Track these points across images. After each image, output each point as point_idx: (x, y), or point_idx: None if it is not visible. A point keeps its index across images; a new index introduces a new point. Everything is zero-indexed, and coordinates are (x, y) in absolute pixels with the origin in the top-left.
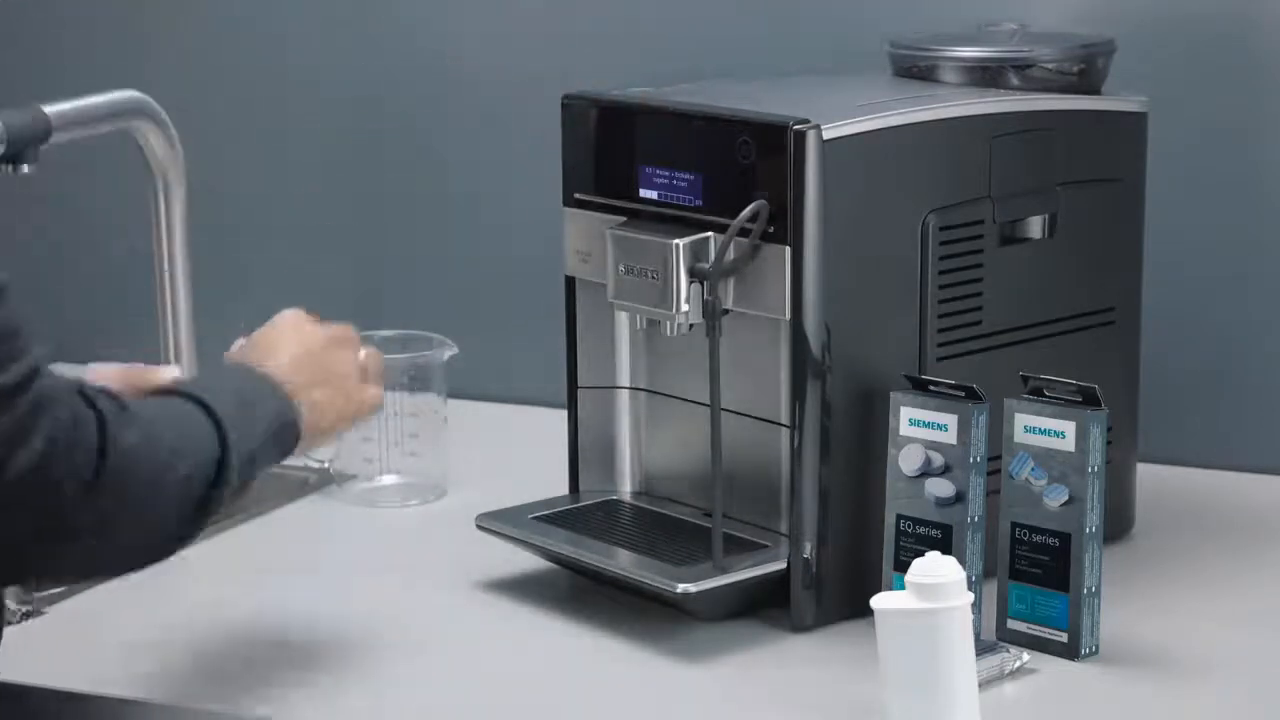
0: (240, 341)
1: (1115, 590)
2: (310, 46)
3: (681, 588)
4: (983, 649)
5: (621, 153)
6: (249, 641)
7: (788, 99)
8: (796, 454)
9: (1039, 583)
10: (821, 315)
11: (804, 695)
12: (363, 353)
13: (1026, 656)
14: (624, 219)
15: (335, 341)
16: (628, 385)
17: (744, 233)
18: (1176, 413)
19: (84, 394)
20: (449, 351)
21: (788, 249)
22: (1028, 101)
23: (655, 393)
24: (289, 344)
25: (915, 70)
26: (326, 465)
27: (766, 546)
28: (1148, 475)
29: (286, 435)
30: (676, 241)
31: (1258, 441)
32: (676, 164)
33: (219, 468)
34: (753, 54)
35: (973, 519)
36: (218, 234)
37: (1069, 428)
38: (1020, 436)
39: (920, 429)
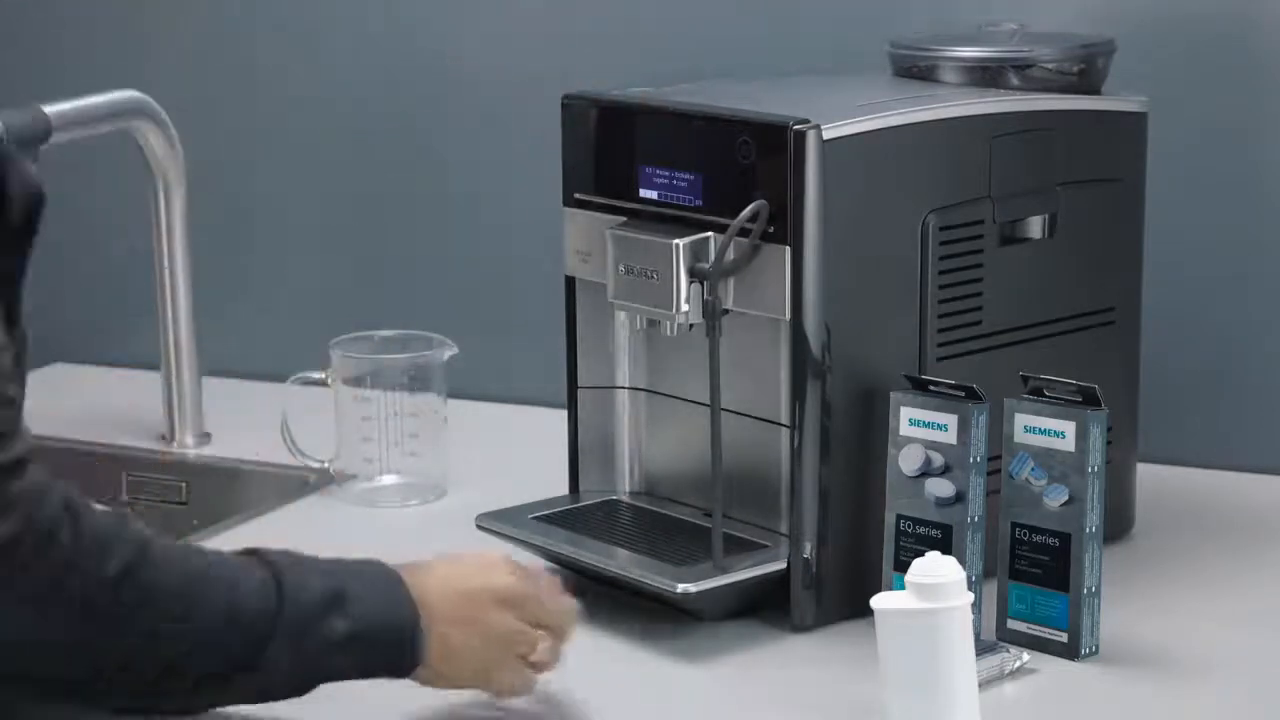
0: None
1: (1115, 590)
2: (310, 46)
3: (681, 588)
4: (983, 649)
5: (621, 153)
6: None
7: (788, 99)
8: (796, 454)
9: (1039, 583)
10: (821, 315)
11: (804, 695)
12: (541, 645)
13: (1026, 656)
14: (624, 219)
15: (504, 599)
16: (628, 385)
17: (744, 233)
18: (1176, 413)
19: (70, 508)
20: (449, 351)
21: (788, 249)
22: (1028, 101)
23: (655, 393)
24: (455, 573)
25: (915, 70)
26: (326, 465)
27: (766, 546)
28: (1148, 475)
29: (389, 646)
30: (676, 241)
31: (1258, 441)
32: (676, 164)
33: (256, 647)
34: (753, 54)
35: (973, 519)
36: (218, 234)
37: (1069, 428)
38: (1020, 436)
39: (920, 429)
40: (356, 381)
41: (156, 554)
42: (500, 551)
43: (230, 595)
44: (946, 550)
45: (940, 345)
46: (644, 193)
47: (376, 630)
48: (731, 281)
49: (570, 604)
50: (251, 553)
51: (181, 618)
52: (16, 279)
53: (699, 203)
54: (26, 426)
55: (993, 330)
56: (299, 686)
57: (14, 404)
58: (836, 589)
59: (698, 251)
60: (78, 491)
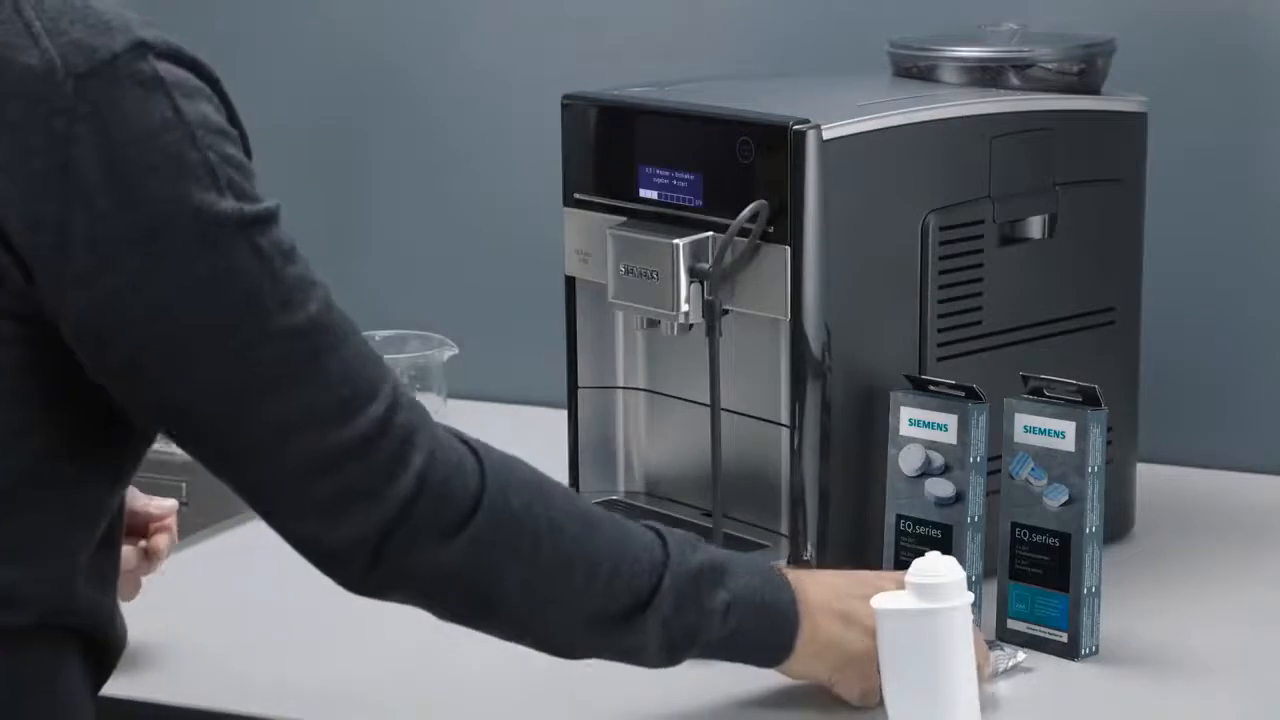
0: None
1: (1115, 590)
2: (310, 46)
3: None
4: None
5: (621, 153)
6: (248, 641)
7: (788, 99)
8: (796, 454)
9: (1039, 583)
10: (821, 315)
11: (805, 695)
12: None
13: (1022, 655)
14: (624, 219)
15: (866, 582)
16: (628, 385)
17: (744, 233)
18: (1176, 413)
19: (465, 441)
20: (449, 351)
21: (788, 249)
22: (1028, 101)
23: (655, 393)
24: (840, 576)
25: (915, 70)
26: None
27: (766, 546)
28: (1148, 475)
29: (766, 624)
30: (676, 241)
31: (1258, 441)
32: (676, 164)
33: (652, 592)
34: (753, 54)
35: (973, 519)
36: None
37: (1069, 428)
38: (1020, 436)
39: (920, 429)
40: None
41: (550, 488)
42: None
43: (623, 537)
44: (946, 550)
45: (940, 345)
46: (644, 193)
47: (755, 606)
48: (731, 281)
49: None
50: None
51: (586, 550)
52: None
53: (699, 203)
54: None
55: (993, 330)
56: (673, 651)
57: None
58: None
59: (698, 251)
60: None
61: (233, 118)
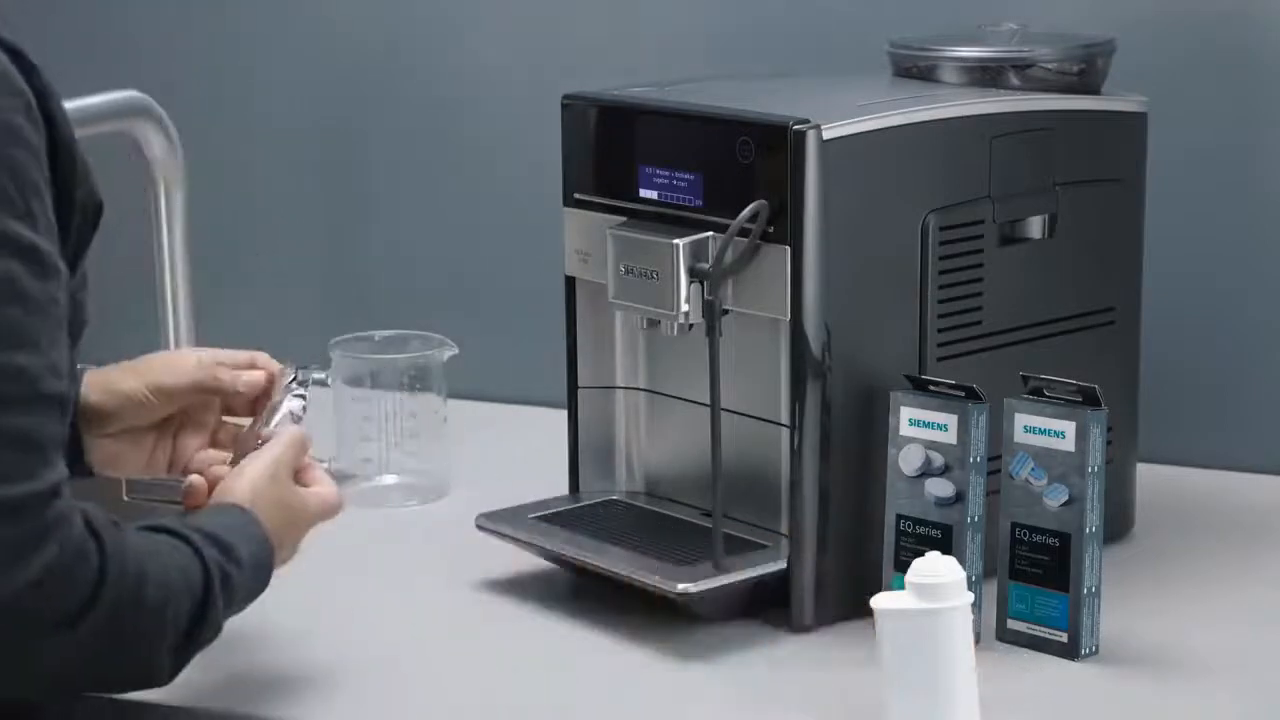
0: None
1: (1115, 590)
2: (311, 46)
3: (681, 587)
4: None
5: (621, 153)
6: (248, 641)
7: (788, 99)
8: (796, 454)
9: (1039, 583)
10: (821, 315)
11: (804, 695)
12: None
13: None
14: (624, 219)
15: (291, 472)
16: (628, 385)
17: (744, 233)
18: (1176, 413)
19: (90, 524)
20: (449, 351)
21: (788, 249)
22: (1028, 101)
23: (655, 393)
24: (259, 471)
25: (915, 70)
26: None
27: (766, 546)
28: (1148, 475)
29: (262, 577)
30: (676, 241)
31: (1258, 441)
32: (676, 164)
33: (202, 609)
34: (753, 54)
35: (973, 519)
36: (218, 234)
37: (1069, 428)
38: (1020, 436)
39: (920, 429)
40: (356, 381)
41: (137, 550)
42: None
43: (177, 565)
44: (946, 550)
45: (940, 345)
46: (644, 193)
47: (255, 567)
48: (731, 281)
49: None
50: (159, 529)
51: (164, 599)
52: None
53: (699, 203)
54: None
55: (993, 330)
56: (229, 610)
57: (64, 409)
58: (836, 589)
59: (698, 251)
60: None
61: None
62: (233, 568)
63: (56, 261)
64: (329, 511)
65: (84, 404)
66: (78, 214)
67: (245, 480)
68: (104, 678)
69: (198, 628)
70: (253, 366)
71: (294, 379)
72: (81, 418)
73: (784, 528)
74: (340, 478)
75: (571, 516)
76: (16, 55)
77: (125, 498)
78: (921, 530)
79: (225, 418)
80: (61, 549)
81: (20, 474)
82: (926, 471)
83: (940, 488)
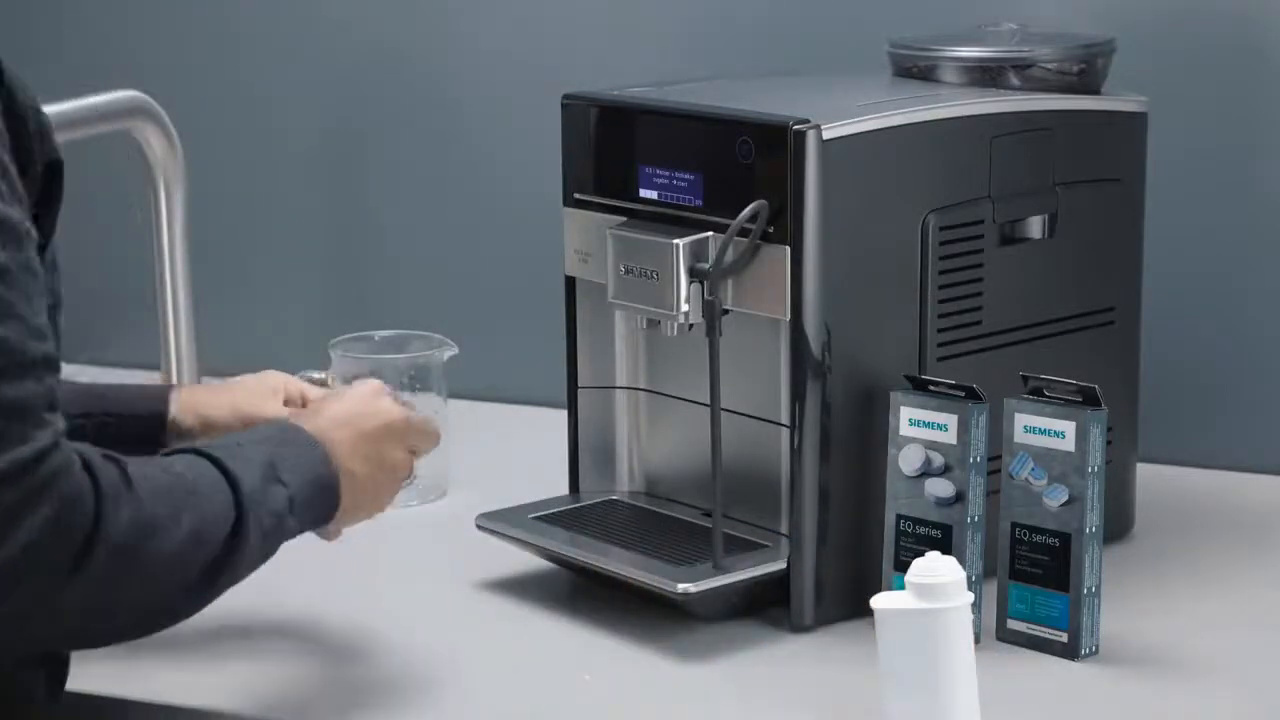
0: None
1: (1115, 590)
2: (311, 46)
3: (681, 588)
4: None
5: (621, 153)
6: (248, 641)
7: (788, 99)
8: (796, 454)
9: (1039, 583)
10: (821, 315)
11: (804, 695)
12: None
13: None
14: (624, 219)
15: (394, 431)
16: (627, 385)
17: (744, 233)
18: (1176, 413)
19: (89, 468)
20: (449, 351)
21: (788, 249)
22: (1028, 101)
23: (655, 393)
24: (350, 412)
25: (915, 70)
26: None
27: (766, 546)
28: (1148, 475)
29: (320, 501)
30: (676, 241)
31: (1258, 441)
32: (676, 164)
33: (233, 535)
34: (753, 54)
35: (973, 519)
36: (218, 234)
37: (1069, 428)
38: (1020, 436)
39: (920, 429)
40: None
41: (143, 491)
42: (374, 382)
43: (202, 502)
44: (946, 550)
45: (940, 345)
46: (644, 193)
47: (310, 491)
48: (731, 281)
49: (434, 424)
50: (191, 450)
51: (177, 543)
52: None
53: (699, 203)
54: (58, 397)
55: (993, 330)
56: (265, 554)
57: (48, 369)
58: (836, 589)
59: (698, 251)
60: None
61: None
62: (277, 489)
63: (28, 227)
64: (420, 430)
65: (177, 424)
66: (39, 172)
67: (319, 414)
68: (119, 620)
69: (229, 556)
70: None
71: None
72: (173, 435)
73: (784, 528)
74: None
75: (571, 516)
76: None
77: None
78: (921, 530)
79: None
80: (56, 504)
81: (11, 441)
82: (926, 471)
83: (940, 488)
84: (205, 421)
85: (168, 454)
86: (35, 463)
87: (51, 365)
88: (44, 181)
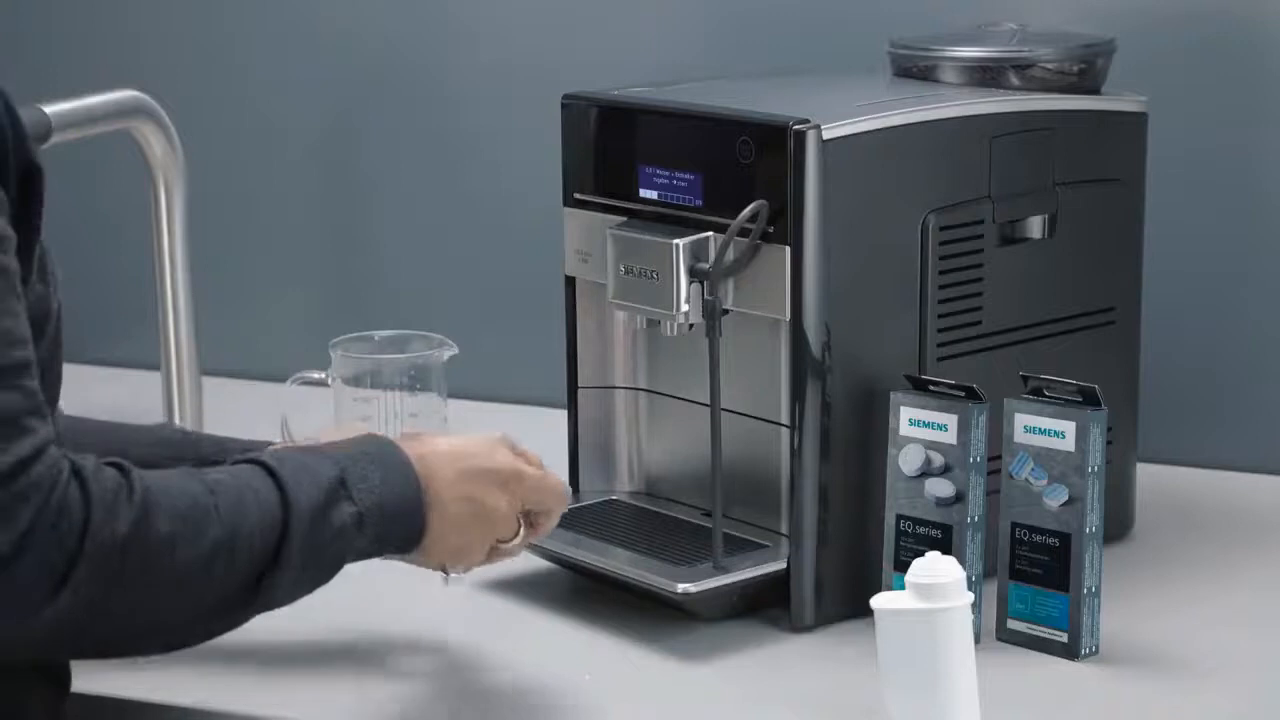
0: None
1: (1115, 590)
2: (310, 46)
3: (681, 588)
4: None
5: (621, 153)
6: (248, 641)
7: (788, 99)
8: (796, 454)
9: (1039, 583)
10: (821, 315)
11: (804, 695)
12: (519, 536)
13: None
14: (624, 219)
15: (504, 480)
16: (627, 385)
17: (744, 233)
18: (1176, 413)
19: (80, 476)
20: (449, 351)
21: (788, 249)
22: (1027, 101)
23: (655, 393)
24: (459, 450)
25: (915, 70)
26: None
27: (766, 546)
28: (1148, 475)
29: (400, 524)
30: (676, 241)
31: (1258, 441)
32: (676, 164)
33: (275, 555)
34: (753, 54)
35: (973, 519)
36: (218, 234)
37: (1069, 428)
38: (1020, 436)
39: (920, 429)
40: (356, 381)
41: (156, 497)
42: (500, 431)
43: (237, 508)
44: (946, 550)
45: (940, 345)
46: (644, 193)
47: (386, 509)
48: (731, 281)
49: (561, 486)
50: (253, 461)
51: (192, 555)
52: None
53: (699, 203)
54: (43, 403)
55: (993, 330)
56: (323, 574)
57: (27, 374)
58: (836, 589)
59: (698, 251)
60: (74, 452)
61: None
62: (342, 506)
63: (2, 229)
64: (536, 487)
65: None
66: (14, 178)
67: (426, 443)
68: (111, 636)
69: (270, 575)
70: None
71: None
72: None
73: (784, 528)
74: None
75: (571, 516)
76: None
77: None
78: (921, 530)
79: None
80: (39, 513)
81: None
82: (926, 471)
83: (940, 488)
84: None
85: (233, 463)
86: (12, 474)
87: (28, 369)
88: (21, 188)
